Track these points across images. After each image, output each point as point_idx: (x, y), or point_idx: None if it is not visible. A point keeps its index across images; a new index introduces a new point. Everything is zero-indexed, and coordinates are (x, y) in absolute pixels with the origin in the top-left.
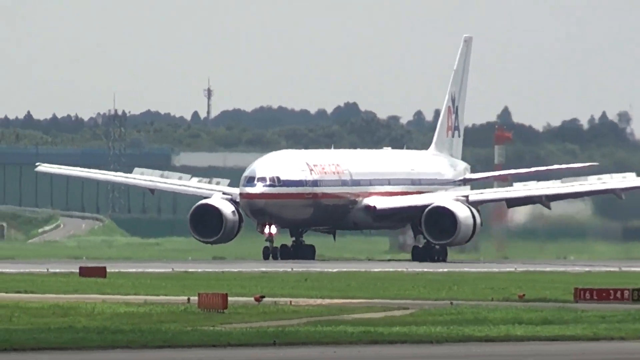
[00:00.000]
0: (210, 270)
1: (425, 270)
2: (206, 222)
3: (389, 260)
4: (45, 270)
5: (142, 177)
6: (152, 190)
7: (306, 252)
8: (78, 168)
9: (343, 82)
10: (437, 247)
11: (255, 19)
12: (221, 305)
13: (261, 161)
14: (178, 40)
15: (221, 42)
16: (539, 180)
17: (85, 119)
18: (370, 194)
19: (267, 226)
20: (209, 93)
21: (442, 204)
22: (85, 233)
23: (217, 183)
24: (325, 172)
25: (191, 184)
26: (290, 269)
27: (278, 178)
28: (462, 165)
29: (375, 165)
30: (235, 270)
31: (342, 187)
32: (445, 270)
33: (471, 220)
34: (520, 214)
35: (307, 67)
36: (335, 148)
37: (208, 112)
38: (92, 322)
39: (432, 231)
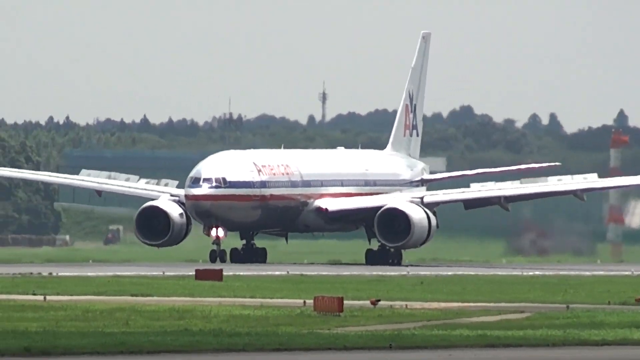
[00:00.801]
0: (325, 273)
1: (540, 273)
2: (153, 225)
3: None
4: (162, 273)
5: (89, 179)
6: (99, 192)
7: (257, 256)
8: (25, 170)
9: (458, 84)
10: (392, 249)
11: (369, 25)
12: (337, 309)
13: (207, 161)
14: (294, 45)
15: (336, 46)
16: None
17: (201, 123)
18: (321, 196)
19: (214, 229)
20: (324, 97)
21: (395, 206)
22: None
23: (166, 184)
24: (274, 173)
25: (138, 186)
26: (406, 273)
27: (224, 179)
28: (420, 165)
29: (327, 165)
30: (351, 273)
31: (291, 189)
32: (561, 273)
33: (426, 222)
34: (637, 217)
35: None
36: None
37: (323, 116)
38: (208, 325)
39: (386, 233)
